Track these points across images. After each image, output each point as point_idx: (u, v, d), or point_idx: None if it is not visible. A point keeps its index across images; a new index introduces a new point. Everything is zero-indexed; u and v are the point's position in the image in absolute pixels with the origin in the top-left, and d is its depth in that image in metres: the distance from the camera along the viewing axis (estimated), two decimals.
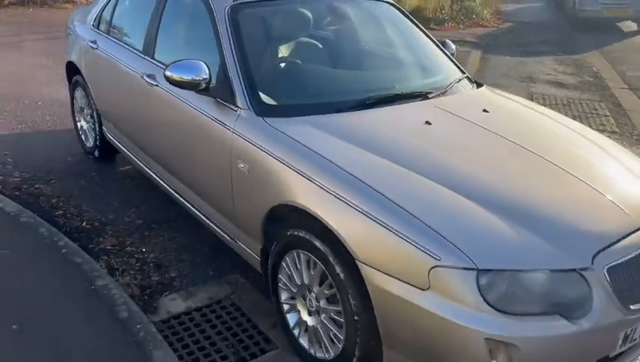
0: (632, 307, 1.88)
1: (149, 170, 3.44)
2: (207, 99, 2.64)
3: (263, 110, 2.46)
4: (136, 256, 3.10)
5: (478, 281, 1.76)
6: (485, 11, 14.84)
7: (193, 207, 3.02)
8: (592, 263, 1.84)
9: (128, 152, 3.68)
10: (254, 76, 2.56)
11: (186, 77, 2.54)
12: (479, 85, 3.23)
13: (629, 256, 1.91)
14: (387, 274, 1.89)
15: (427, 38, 3.43)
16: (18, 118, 5.22)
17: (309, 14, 3.05)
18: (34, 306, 2.47)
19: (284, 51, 2.92)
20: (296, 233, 2.21)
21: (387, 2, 3.49)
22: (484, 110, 2.70)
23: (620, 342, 1.91)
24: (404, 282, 1.85)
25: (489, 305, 1.75)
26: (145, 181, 3.89)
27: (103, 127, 3.99)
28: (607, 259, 1.86)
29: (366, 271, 1.94)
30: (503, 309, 1.76)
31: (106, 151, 4.13)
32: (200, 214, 2.97)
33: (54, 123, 5.13)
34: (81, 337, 2.31)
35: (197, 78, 2.53)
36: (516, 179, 2.17)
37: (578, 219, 1.98)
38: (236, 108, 2.51)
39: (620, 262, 1.88)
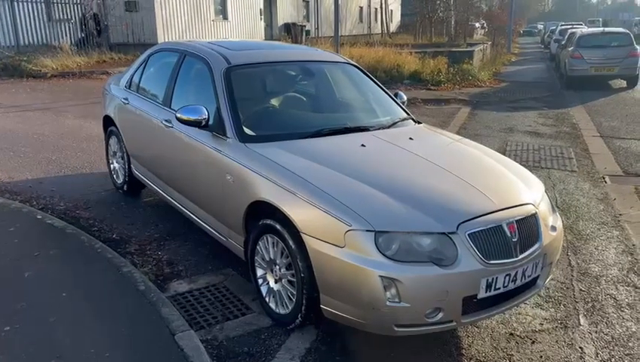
0: (490, 261, 2.71)
1: (165, 194, 4.41)
2: (206, 133, 3.63)
3: (244, 138, 3.43)
4: (153, 256, 4.02)
5: (376, 239, 2.63)
6: (483, 73, 15.97)
7: (198, 218, 3.95)
8: (457, 229, 2.70)
9: (150, 182, 4.67)
10: (239, 115, 3.55)
11: (192, 117, 3.55)
12: (419, 123, 4.19)
13: (487, 227, 2.75)
14: (319, 239, 2.77)
15: (381, 90, 4.43)
16: (62, 164, 6.33)
17: (285, 74, 4.10)
18: (78, 282, 3.39)
19: (262, 98, 3.95)
20: (265, 222, 3.12)
21: (350, 63, 4.53)
22: (410, 138, 3.64)
23: (484, 286, 2.72)
24: (330, 243, 2.72)
25: (383, 255, 2.60)
26: (162, 208, 4.88)
27: (132, 166, 5.01)
28: (468, 228, 2.71)
29: (307, 239, 2.82)
30: (394, 258, 2.61)
31: (133, 185, 5.13)
32: (202, 223, 3.90)
33: (91, 167, 6.21)
34: (110, 299, 3.21)
35: (199, 118, 3.54)
36: (411, 177, 3.08)
37: (451, 201, 2.86)
38: (226, 138, 3.49)
39: (478, 230, 2.72)
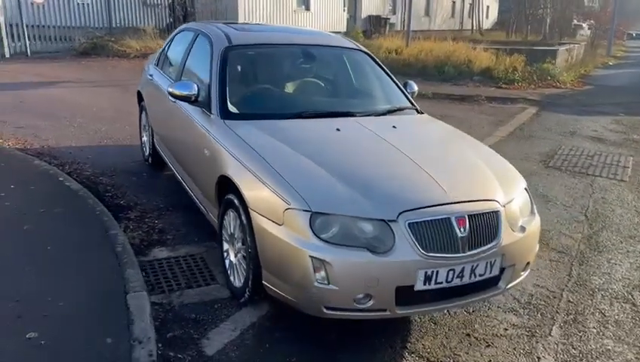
0: (430, 254, 2.62)
1: (172, 166, 4.63)
2: (198, 108, 3.76)
3: (225, 115, 3.52)
4: (149, 224, 4.23)
5: (312, 220, 2.62)
6: (566, 74, 15.02)
7: (191, 191, 4.11)
8: (397, 218, 2.62)
9: (164, 155, 4.91)
10: (226, 93, 3.64)
11: (183, 92, 3.70)
12: (421, 113, 4.09)
13: (431, 218, 2.65)
14: (263, 216, 2.80)
15: (389, 79, 4.34)
16: (107, 135, 6.79)
17: (284, 56, 4.14)
18: (66, 238, 3.66)
19: (256, 78, 4.03)
20: (228, 197, 3.20)
21: (362, 51, 4.48)
22: (394, 126, 3.57)
23: (422, 279, 2.63)
24: (271, 221, 2.75)
25: (317, 236, 2.59)
26: (178, 181, 5.09)
27: (154, 139, 5.28)
28: (409, 217, 2.62)
29: (253, 215, 2.87)
30: (328, 240, 2.58)
31: (157, 157, 5.40)
32: (193, 195, 4.06)
33: (131, 140, 6.59)
34: (86, 257, 3.44)
35: (189, 93, 3.68)
36: (369, 162, 3.03)
37: (399, 189, 2.77)
38: (210, 114, 3.60)
39: (420, 220, 2.62)
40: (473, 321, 3.20)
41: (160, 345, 2.75)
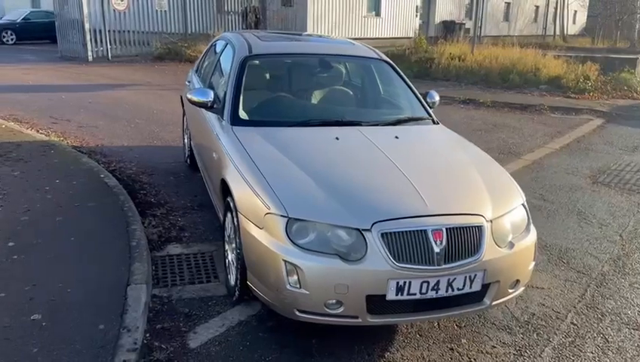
0: (401, 264, 2.64)
1: (200, 167, 4.88)
2: (214, 115, 3.97)
3: (234, 121, 3.70)
4: (171, 221, 4.49)
5: (288, 225, 2.72)
6: None
7: (210, 192, 4.33)
8: (371, 228, 2.67)
9: (196, 155, 5.18)
10: (238, 100, 3.82)
11: (200, 99, 3.92)
12: (437, 124, 4.08)
13: (405, 230, 2.66)
14: (248, 219, 2.94)
15: (408, 89, 4.35)
16: (158, 136, 7.21)
17: (301, 65, 4.27)
18: (89, 230, 3.98)
19: (270, 86, 4.19)
20: (227, 199, 3.37)
21: (384, 60, 4.51)
22: (396, 137, 3.59)
23: (393, 289, 2.65)
24: (254, 224, 2.88)
25: (291, 241, 2.69)
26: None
27: (191, 141, 5.58)
28: (383, 227, 2.66)
29: (240, 217, 3.01)
30: (303, 246, 2.67)
31: (193, 158, 5.70)
32: (212, 197, 4.27)
33: (179, 142, 6.96)
34: (103, 249, 3.73)
35: (205, 100, 3.90)
36: (357, 171, 3.08)
37: (378, 199, 2.81)
38: (222, 120, 3.80)
39: (393, 231, 2.65)
40: (461, 336, 3.17)
41: (147, 335, 2.95)
